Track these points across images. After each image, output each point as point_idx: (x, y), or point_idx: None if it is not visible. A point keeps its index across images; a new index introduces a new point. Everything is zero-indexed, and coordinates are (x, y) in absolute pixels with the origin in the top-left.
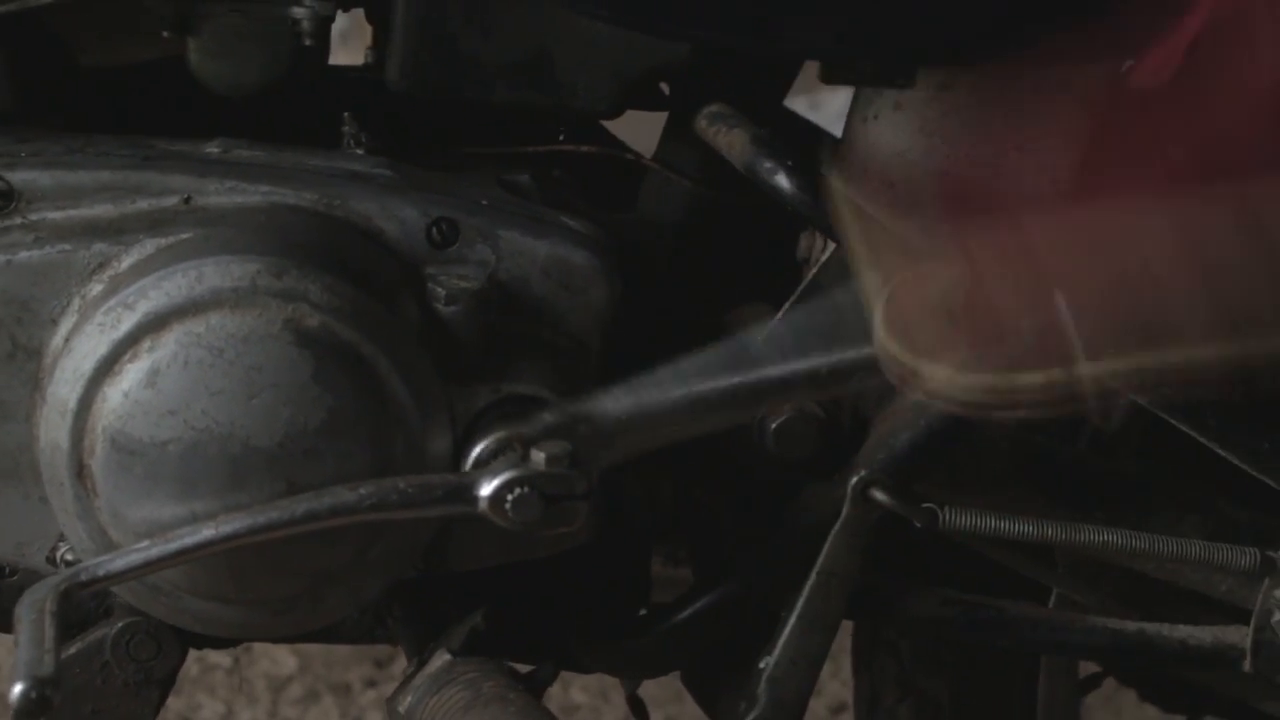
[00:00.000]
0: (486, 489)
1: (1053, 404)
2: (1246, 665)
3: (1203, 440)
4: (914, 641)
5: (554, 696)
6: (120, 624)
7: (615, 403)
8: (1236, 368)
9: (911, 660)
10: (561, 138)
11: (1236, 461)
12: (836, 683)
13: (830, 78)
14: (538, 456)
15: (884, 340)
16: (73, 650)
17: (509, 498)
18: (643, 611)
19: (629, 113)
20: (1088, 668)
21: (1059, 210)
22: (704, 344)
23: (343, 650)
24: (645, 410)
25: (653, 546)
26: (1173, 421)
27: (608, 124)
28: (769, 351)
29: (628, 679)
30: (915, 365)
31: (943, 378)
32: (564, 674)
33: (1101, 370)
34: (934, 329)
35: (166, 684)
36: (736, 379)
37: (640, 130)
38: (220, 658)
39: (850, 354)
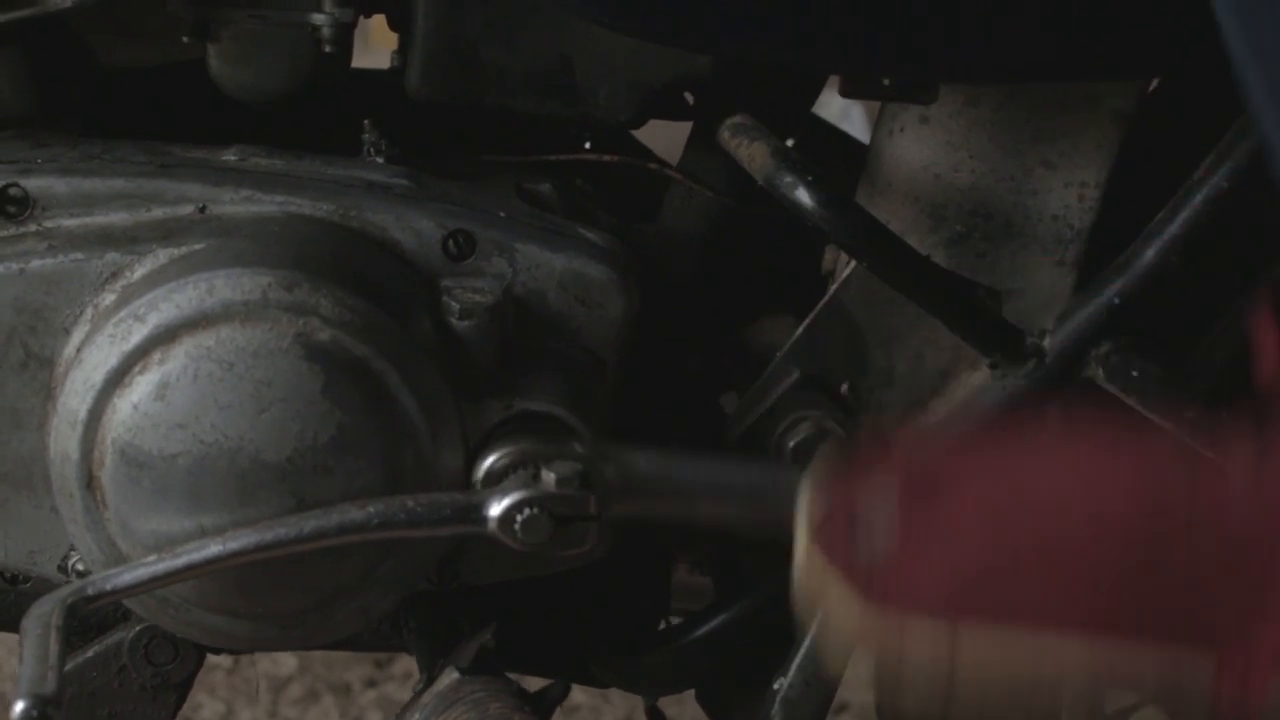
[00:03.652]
0: (495, 509)
1: (927, 688)
2: None
3: None
4: None
5: None
6: (137, 628)
7: (647, 461)
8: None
9: None
10: (587, 146)
11: None
12: None
13: (851, 92)
14: (548, 477)
15: (804, 556)
16: (90, 653)
17: (518, 518)
18: (661, 627)
19: (658, 122)
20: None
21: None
22: (723, 352)
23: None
24: (670, 478)
25: (672, 562)
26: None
27: (635, 133)
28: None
29: (644, 695)
30: (828, 590)
31: (845, 617)
32: None
33: (977, 663)
34: (855, 567)
35: (183, 688)
36: (766, 478)
37: (670, 140)
38: (220, 658)
39: None
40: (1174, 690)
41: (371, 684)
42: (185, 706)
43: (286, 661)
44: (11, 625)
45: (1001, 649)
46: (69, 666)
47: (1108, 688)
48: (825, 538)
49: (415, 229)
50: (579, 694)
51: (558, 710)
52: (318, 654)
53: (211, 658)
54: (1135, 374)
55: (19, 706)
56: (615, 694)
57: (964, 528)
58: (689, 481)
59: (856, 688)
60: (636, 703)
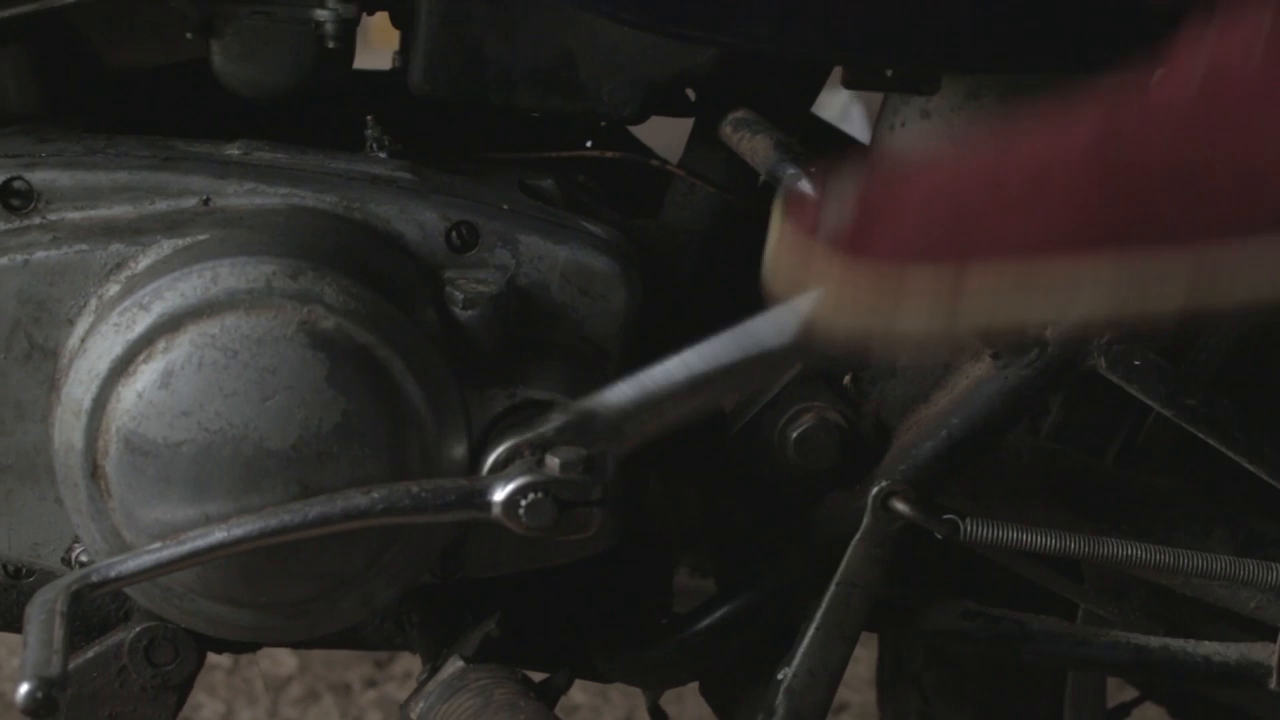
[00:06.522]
0: (500, 494)
1: (933, 329)
2: (1272, 683)
3: (1230, 454)
4: (937, 674)
5: None
6: (138, 628)
7: (620, 394)
8: (1127, 307)
9: (934, 693)
10: (589, 143)
11: (1264, 476)
12: None
13: (854, 83)
14: (552, 462)
15: (778, 235)
16: (90, 654)
17: (522, 503)
18: (664, 621)
19: (657, 118)
20: (1115, 698)
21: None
22: None
23: (343, 650)
24: (650, 395)
25: (676, 556)
26: (1200, 435)
27: (636, 130)
28: (768, 327)
29: (647, 689)
30: (808, 259)
31: (830, 280)
32: None
33: (984, 284)
34: (831, 225)
35: (184, 689)
36: (736, 351)
37: (671, 136)
38: (220, 657)
39: None
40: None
41: (371, 684)
42: (185, 706)
43: (286, 661)
44: (15, 624)
45: (1009, 279)
46: (69, 667)
47: (1138, 303)
48: (797, 211)
49: (419, 221)
50: (579, 693)
51: (557, 710)
52: (318, 654)
53: (212, 657)
54: (1137, 363)
55: (24, 688)
56: (615, 693)
57: (932, 175)
58: (671, 381)
59: (857, 687)
60: (636, 702)
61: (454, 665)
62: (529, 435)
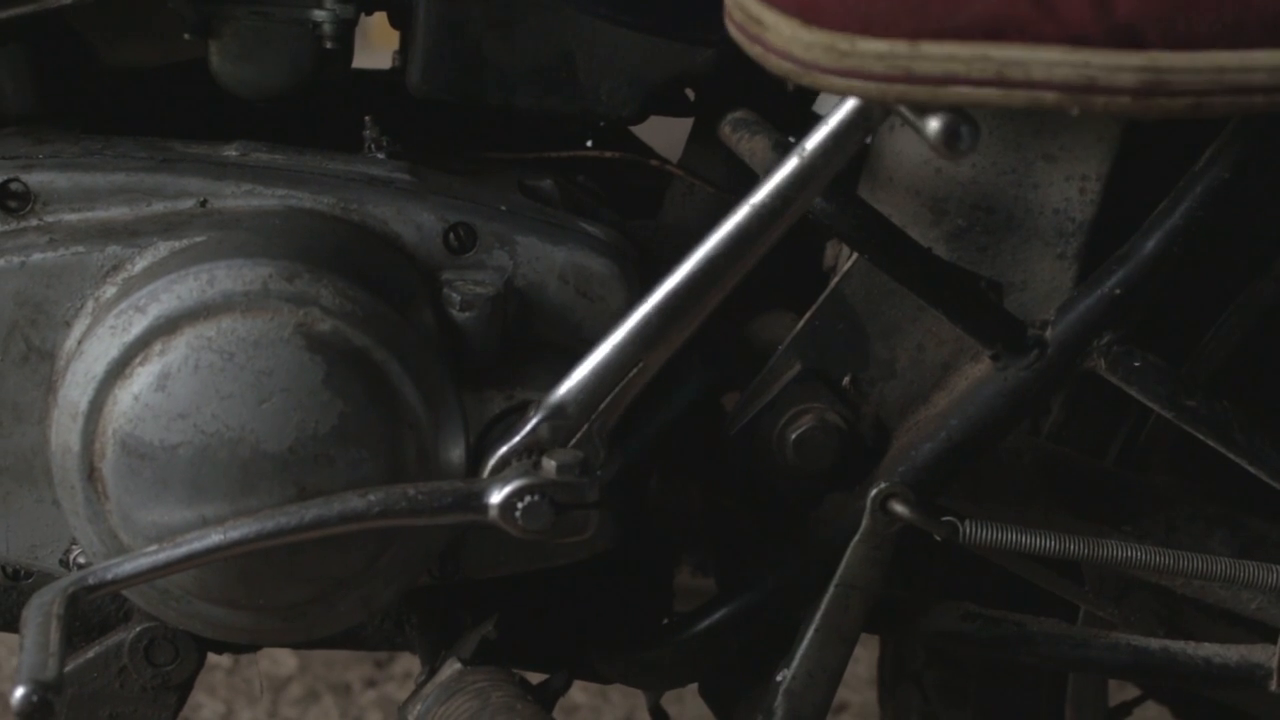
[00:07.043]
0: (496, 497)
1: (890, 80)
2: (1273, 685)
3: (1231, 456)
4: (938, 673)
5: None
6: (138, 628)
7: (580, 372)
8: (1080, 87)
9: (935, 692)
10: (589, 143)
11: (1265, 478)
12: None
13: None
14: (549, 464)
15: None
16: (90, 654)
17: (519, 506)
18: (664, 621)
19: (657, 118)
20: (1116, 697)
21: None
22: (727, 351)
23: (343, 650)
24: (607, 360)
25: (677, 557)
26: (1201, 437)
27: (635, 129)
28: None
29: (647, 689)
30: (761, 14)
31: (786, 31)
32: None
33: (944, 52)
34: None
35: (184, 689)
36: (662, 299)
37: (670, 137)
38: (220, 657)
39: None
40: None
41: (371, 684)
42: (185, 706)
43: (286, 661)
44: (14, 624)
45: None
46: (70, 668)
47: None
48: None
49: (416, 222)
50: (579, 693)
51: (557, 710)
52: (318, 654)
53: (212, 657)
54: (1137, 364)
55: (20, 692)
56: (615, 693)
57: None
58: (616, 343)
59: (857, 687)
60: (637, 702)
61: (452, 667)
62: (520, 439)
